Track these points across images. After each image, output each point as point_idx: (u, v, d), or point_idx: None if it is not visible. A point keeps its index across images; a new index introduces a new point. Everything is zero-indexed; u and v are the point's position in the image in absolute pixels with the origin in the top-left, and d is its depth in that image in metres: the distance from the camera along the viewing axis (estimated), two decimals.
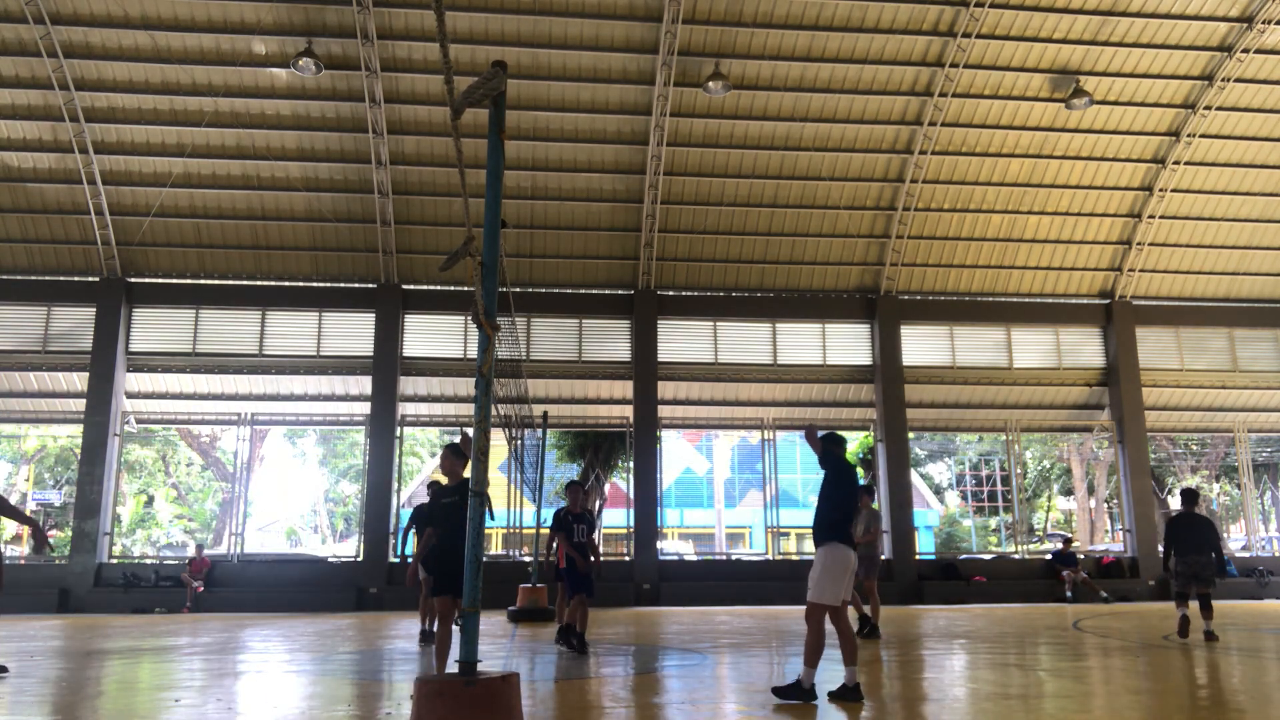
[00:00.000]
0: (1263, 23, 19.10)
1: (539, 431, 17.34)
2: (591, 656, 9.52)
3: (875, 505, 15.18)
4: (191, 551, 29.78)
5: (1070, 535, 32.29)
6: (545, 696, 6.84)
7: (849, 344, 21.54)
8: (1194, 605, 10.58)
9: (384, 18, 18.13)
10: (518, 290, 20.27)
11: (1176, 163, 20.90)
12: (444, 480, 7.43)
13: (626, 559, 20.91)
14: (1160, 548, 11.56)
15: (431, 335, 20.76)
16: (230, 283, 20.39)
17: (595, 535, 10.94)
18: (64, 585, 18.58)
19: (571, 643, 9.71)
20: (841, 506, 6.58)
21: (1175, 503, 36.16)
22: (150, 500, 36.52)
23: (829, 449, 6.72)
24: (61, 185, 19.41)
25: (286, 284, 20.45)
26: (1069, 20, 18.99)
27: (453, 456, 7.21)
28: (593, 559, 10.03)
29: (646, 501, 20.19)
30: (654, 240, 20.62)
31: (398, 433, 20.27)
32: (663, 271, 21.11)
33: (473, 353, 20.15)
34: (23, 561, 22.74)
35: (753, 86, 19.43)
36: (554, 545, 10.27)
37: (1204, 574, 10.54)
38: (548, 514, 14.16)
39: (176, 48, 18.27)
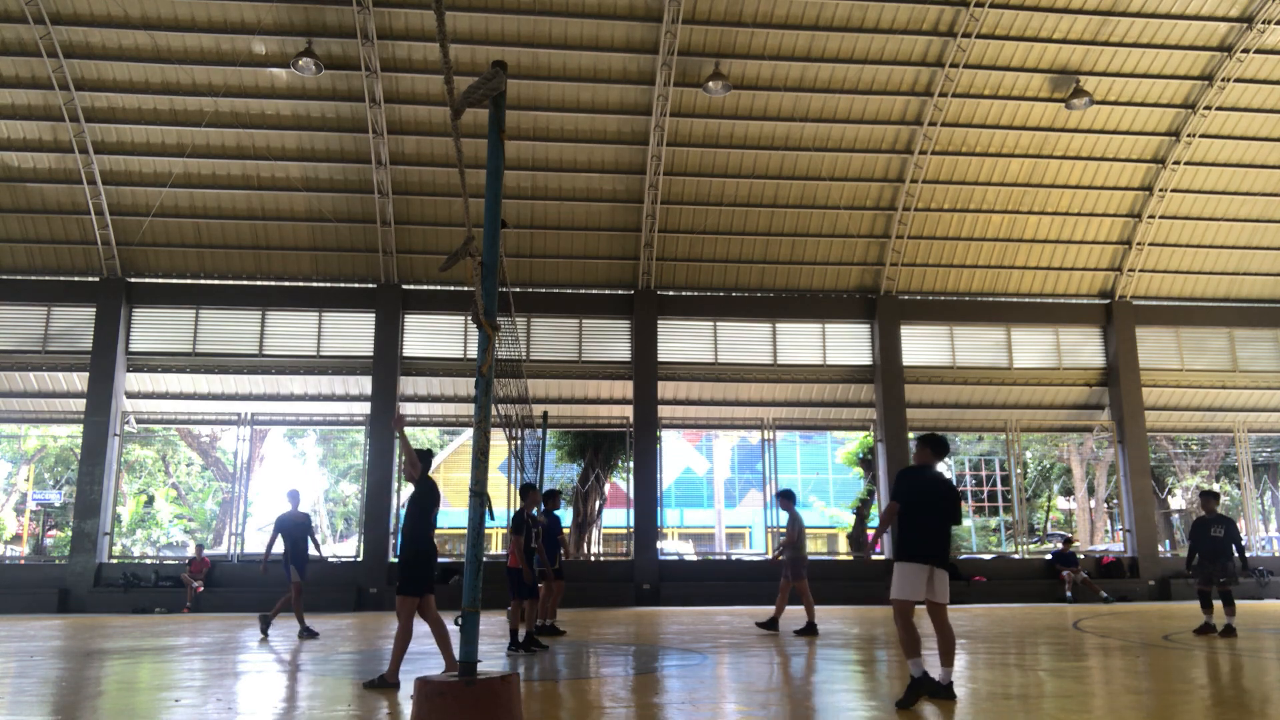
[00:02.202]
0: (1263, 23, 19.09)
1: (539, 431, 17.32)
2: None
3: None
4: (191, 551, 29.79)
5: (1070, 535, 32.27)
6: (545, 696, 6.84)
7: (849, 344, 21.54)
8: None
9: (384, 18, 18.13)
10: (518, 290, 20.26)
11: (1176, 163, 20.90)
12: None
13: (626, 559, 20.90)
14: (1229, 548, 11.49)
15: (431, 335, 20.75)
16: (230, 283, 20.39)
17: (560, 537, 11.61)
18: (64, 585, 18.57)
19: (532, 646, 9.78)
20: (906, 524, 6.47)
21: (1175, 502, 36.15)
22: (150, 500, 36.48)
23: (903, 473, 6.75)
24: (61, 185, 19.40)
25: (286, 284, 20.45)
26: (1069, 20, 18.99)
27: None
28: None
29: (646, 501, 20.18)
30: (654, 240, 20.61)
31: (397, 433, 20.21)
32: (663, 271, 21.10)
33: (473, 353, 20.15)
34: (23, 561, 22.79)
35: (753, 86, 19.42)
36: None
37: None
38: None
39: (176, 48, 18.26)
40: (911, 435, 21.88)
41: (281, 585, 12.65)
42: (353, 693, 7.06)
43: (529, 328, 20.69)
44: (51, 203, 19.66)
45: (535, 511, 10.80)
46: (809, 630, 11.53)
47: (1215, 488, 34.74)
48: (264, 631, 12.07)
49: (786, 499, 12.17)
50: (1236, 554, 11.26)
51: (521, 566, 10.01)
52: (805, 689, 7.19)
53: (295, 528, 12.29)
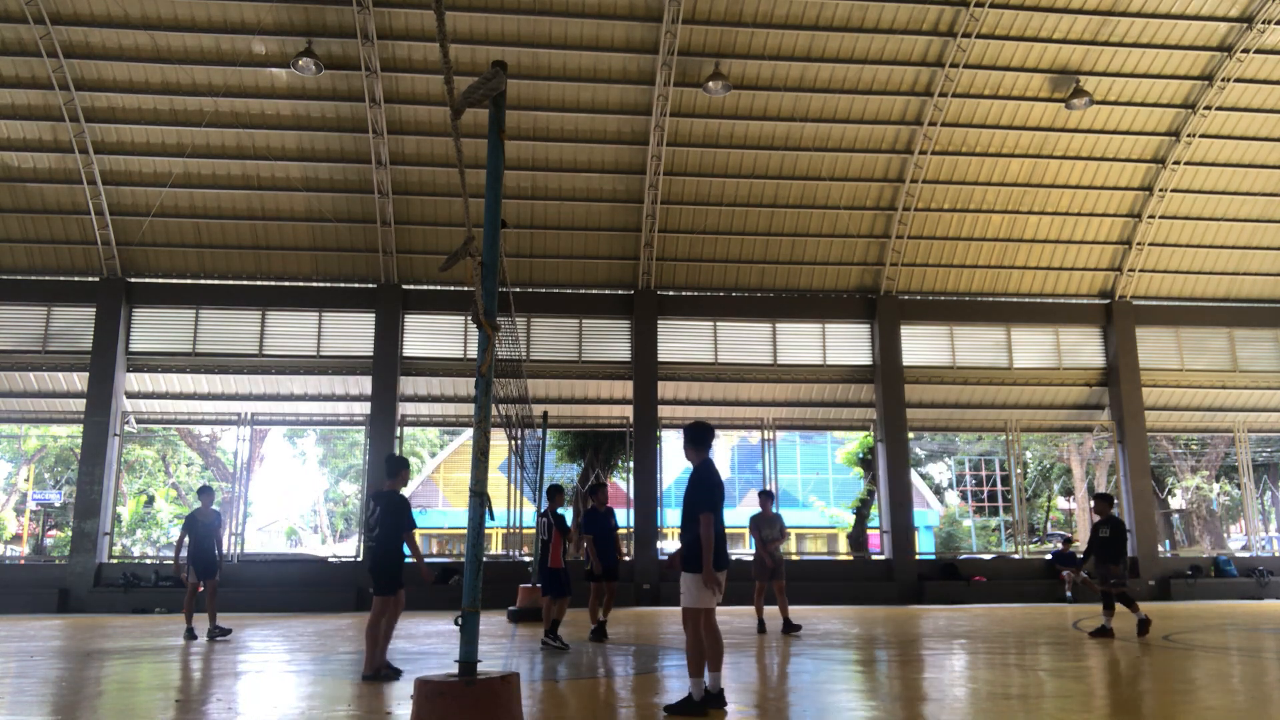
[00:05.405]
0: (1263, 23, 19.09)
1: (539, 431, 17.33)
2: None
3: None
4: None
5: (1070, 535, 32.29)
6: (545, 696, 6.85)
7: (849, 344, 21.54)
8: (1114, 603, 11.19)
9: (384, 18, 18.13)
10: (518, 290, 20.27)
11: (1176, 163, 20.90)
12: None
13: (626, 559, 20.90)
14: (1119, 549, 11.32)
15: (431, 335, 20.75)
16: (230, 283, 20.38)
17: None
18: (64, 585, 18.57)
19: (557, 642, 9.93)
20: (719, 532, 5.95)
21: (1175, 502, 36.16)
22: (150, 500, 36.50)
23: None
24: (61, 185, 19.40)
25: (286, 284, 20.44)
26: (1069, 20, 18.98)
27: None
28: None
29: (646, 501, 20.20)
30: (654, 240, 20.61)
31: (398, 433, 20.26)
32: (663, 271, 21.10)
33: (473, 353, 20.15)
34: (23, 561, 22.75)
35: (753, 86, 19.42)
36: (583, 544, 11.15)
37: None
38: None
39: (176, 48, 18.26)
40: (911, 435, 21.89)
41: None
42: (353, 693, 7.06)
43: (529, 328, 20.69)
44: (51, 203, 19.66)
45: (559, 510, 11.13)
46: (764, 629, 12.01)
47: (1213, 487, 34.73)
48: (221, 635, 12.02)
49: (767, 498, 12.42)
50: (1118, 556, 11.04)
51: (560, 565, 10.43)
52: (805, 689, 7.19)
53: (205, 527, 12.24)
